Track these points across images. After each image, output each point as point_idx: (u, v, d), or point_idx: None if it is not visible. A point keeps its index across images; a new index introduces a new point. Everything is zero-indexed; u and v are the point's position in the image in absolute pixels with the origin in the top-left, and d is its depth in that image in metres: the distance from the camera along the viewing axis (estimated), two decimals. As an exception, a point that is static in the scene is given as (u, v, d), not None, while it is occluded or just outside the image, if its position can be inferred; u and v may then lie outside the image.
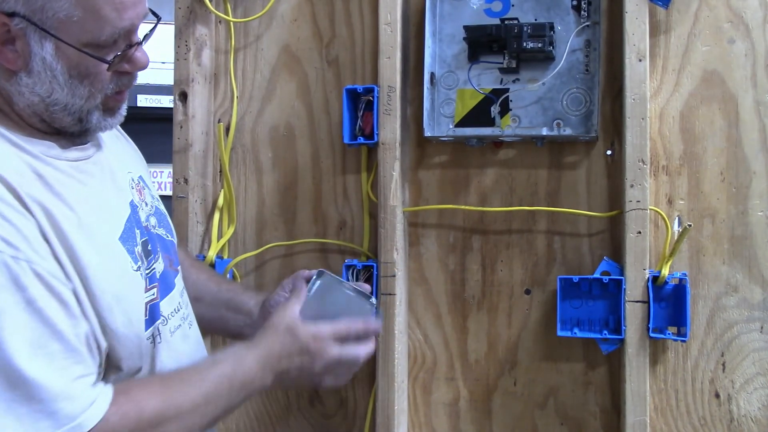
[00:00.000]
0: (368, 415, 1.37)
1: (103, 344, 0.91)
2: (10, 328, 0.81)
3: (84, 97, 0.93)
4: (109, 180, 1.01)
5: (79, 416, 0.83)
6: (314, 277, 1.13)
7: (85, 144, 1.01)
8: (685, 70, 1.27)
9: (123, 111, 1.01)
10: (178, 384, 0.96)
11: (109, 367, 0.94)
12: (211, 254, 1.43)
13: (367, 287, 1.17)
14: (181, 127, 1.44)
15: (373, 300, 1.12)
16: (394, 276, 1.30)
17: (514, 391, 1.35)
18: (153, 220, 1.09)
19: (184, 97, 1.43)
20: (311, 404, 1.43)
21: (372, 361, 1.37)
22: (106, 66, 0.91)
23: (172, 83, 1.45)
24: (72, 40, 0.88)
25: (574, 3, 1.27)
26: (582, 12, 1.27)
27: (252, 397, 1.08)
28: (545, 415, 1.33)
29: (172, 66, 1.45)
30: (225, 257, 1.46)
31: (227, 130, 1.46)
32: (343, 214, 1.42)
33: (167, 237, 1.13)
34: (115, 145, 1.11)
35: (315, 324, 1.06)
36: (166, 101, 4.00)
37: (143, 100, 4.01)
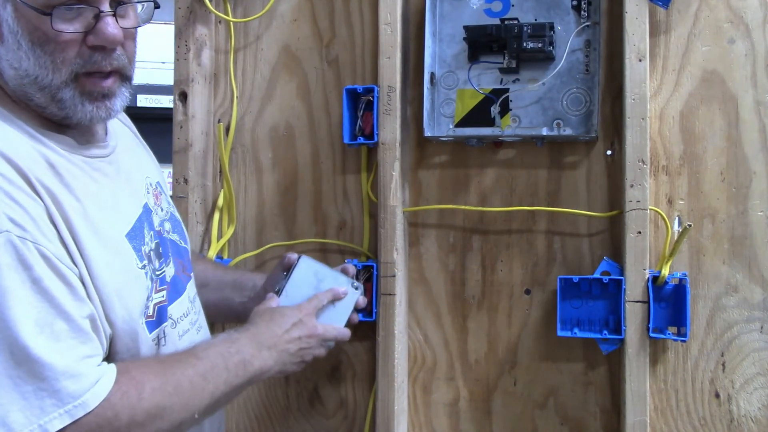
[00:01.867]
0: (368, 415, 1.37)
1: (108, 330, 0.92)
2: (16, 307, 0.81)
3: (48, 69, 0.89)
4: (124, 181, 1.02)
5: (83, 395, 0.83)
6: (295, 262, 1.23)
7: (104, 142, 1.01)
8: (685, 70, 1.27)
9: (114, 105, 0.96)
10: (175, 363, 0.96)
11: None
12: (211, 254, 1.43)
13: (350, 268, 1.28)
14: (181, 127, 1.44)
15: (351, 279, 1.25)
16: (394, 276, 1.30)
17: (514, 391, 1.35)
18: (167, 225, 1.10)
19: (184, 97, 1.43)
20: (311, 404, 1.43)
21: (372, 361, 1.37)
22: (69, 36, 0.87)
23: (172, 83, 1.45)
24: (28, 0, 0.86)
25: (574, 3, 1.27)
26: (582, 12, 1.27)
27: (258, 383, 1.12)
28: (545, 415, 1.33)
29: (172, 66, 1.45)
30: (225, 257, 1.46)
31: (227, 130, 1.46)
32: (343, 214, 1.42)
33: (181, 243, 1.14)
34: (136, 150, 1.12)
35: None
36: (166, 101, 4.00)
37: (143, 100, 4.01)
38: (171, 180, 1.47)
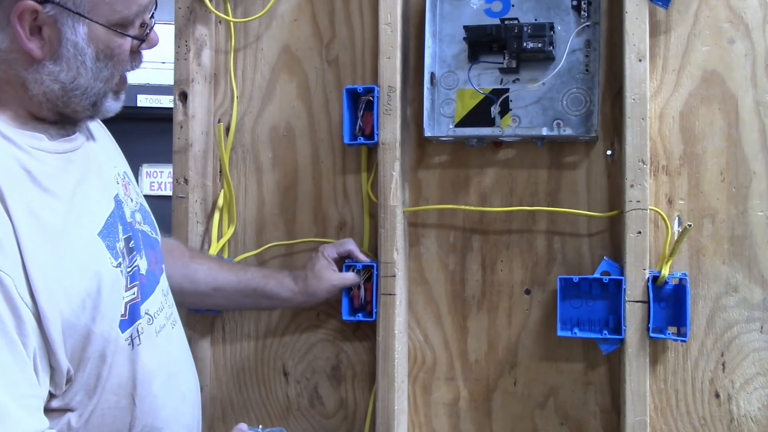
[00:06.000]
0: (368, 415, 1.37)
1: (64, 365, 0.88)
2: None
3: (104, 80, 0.95)
4: (95, 172, 1.01)
5: None
6: None
7: (73, 135, 1.00)
8: (685, 70, 1.27)
9: (123, 94, 1.03)
10: None
11: (82, 365, 0.92)
12: (212, 254, 1.43)
13: None
14: (181, 127, 1.44)
15: None
16: (394, 276, 1.30)
17: (514, 391, 1.35)
18: (138, 216, 1.08)
19: (184, 97, 1.43)
20: (311, 404, 1.43)
21: (372, 361, 1.37)
22: (128, 46, 0.94)
23: (172, 83, 1.45)
24: (103, 21, 0.91)
25: (574, 3, 1.27)
26: (582, 12, 1.27)
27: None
28: (545, 415, 1.33)
29: (172, 66, 1.45)
30: (225, 257, 1.46)
31: (227, 130, 1.46)
32: (343, 214, 1.42)
33: (152, 234, 1.12)
34: (102, 138, 1.10)
35: None
36: (166, 101, 4.00)
37: (143, 100, 4.00)
38: (171, 180, 1.47)
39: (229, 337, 1.47)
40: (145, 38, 0.97)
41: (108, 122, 1.15)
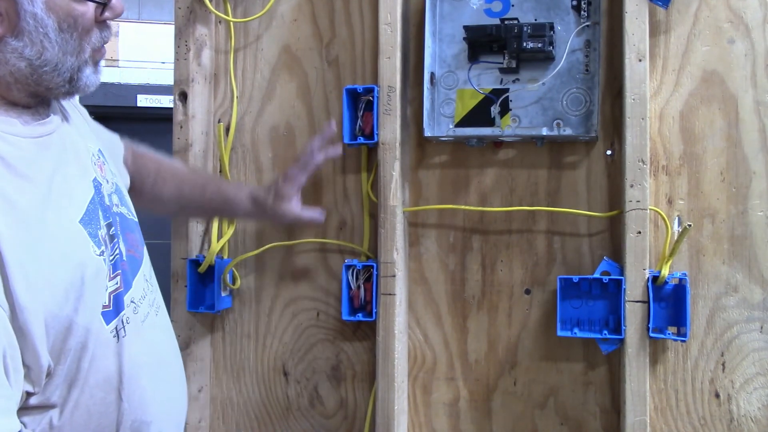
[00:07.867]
0: (368, 415, 1.37)
1: (45, 363, 0.86)
2: None
3: (74, 53, 0.92)
4: (72, 156, 0.98)
5: None
6: None
7: (48, 118, 0.97)
8: (685, 70, 1.27)
9: (101, 67, 1.00)
10: None
11: (60, 360, 0.89)
12: (211, 254, 1.43)
13: None
14: (181, 127, 1.44)
15: None
16: (394, 276, 1.30)
17: (514, 391, 1.35)
18: (115, 198, 1.04)
19: (184, 97, 1.43)
20: (311, 404, 1.43)
21: (372, 361, 1.37)
22: (92, 14, 0.92)
23: (172, 83, 1.45)
24: None
25: (574, 3, 1.27)
26: (582, 12, 1.27)
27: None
28: (545, 415, 1.33)
29: (172, 66, 1.45)
30: (225, 257, 1.46)
31: (227, 130, 1.46)
32: (343, 214, 1.42)
33: (129, 216, 1.08)
34: (77, 118, 1.07)
35: None
36: (166, 101, 3.99)
37: (143, 100, 3.99)
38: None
39: (229, 337, 1.47)
40: (107, 2, 0.93)
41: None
